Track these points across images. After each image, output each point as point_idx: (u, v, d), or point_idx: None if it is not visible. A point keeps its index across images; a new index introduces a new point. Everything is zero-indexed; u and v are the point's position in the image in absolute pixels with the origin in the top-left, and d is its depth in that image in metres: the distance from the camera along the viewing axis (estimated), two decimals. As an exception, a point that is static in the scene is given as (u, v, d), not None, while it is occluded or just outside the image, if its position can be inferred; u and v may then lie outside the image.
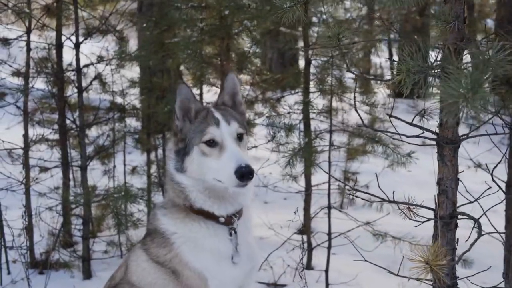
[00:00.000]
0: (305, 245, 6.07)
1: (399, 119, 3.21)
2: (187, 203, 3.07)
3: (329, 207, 5.46)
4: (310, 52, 5.75)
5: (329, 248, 5.43)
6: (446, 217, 3.01)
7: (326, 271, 5.42)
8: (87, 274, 6.02)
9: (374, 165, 8.58)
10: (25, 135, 6.08)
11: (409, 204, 2.88)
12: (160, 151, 7.05)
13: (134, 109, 7.00)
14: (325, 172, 3.68)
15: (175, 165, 3.09)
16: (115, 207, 4.91)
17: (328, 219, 5.43)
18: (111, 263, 6.35)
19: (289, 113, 5.63)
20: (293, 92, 6.15)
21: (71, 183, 7.30)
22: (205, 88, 6.40)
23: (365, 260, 3.59)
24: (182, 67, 7.09)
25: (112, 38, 6.81)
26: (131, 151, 8.72)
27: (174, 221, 3.11)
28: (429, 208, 3.07)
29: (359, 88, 6.03)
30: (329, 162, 5.37)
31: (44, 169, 6.76)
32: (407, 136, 3.18)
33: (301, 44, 6.86)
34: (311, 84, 5.84)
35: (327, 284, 5.44)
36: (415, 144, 3.28)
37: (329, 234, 5.43)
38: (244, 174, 2.83)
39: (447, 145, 2.94)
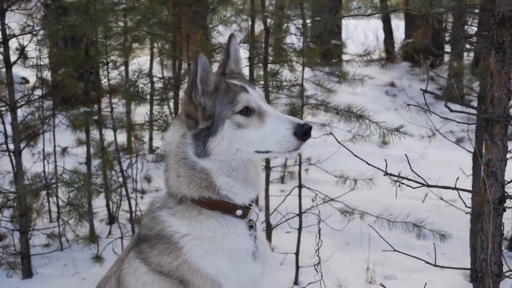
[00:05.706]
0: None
1: (435, 94, 2.91)
2: (206, 194, 2.62)
3: (300, 186, 5.12)
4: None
5: (299, 229, 5.10)
6: (495, 201, 2.75)
7: (297, 254, 5.11)
8: (27, 272, 5.34)
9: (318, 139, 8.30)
10: None
11: (472, 192, 2.56)
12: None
13: (65, 85, 6.21)
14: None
15: (195, 151, 2.62)
16: (73, 198, 4.27)
17: (299, 198, 5.10)
18: (52, 257, 5.71)
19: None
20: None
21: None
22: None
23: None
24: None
25: (37, 5, 5.96)
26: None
27: (187, 220, 2.65)
28: (475, 192, 2.80)
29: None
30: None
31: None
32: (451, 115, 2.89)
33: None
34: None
35: (297, 268, 5.13)
36: (463, 122, 2.97)
37: (300, 214, 5.10)
38: (307, 131, 2.50)
39: (501, 122, 2.66)
